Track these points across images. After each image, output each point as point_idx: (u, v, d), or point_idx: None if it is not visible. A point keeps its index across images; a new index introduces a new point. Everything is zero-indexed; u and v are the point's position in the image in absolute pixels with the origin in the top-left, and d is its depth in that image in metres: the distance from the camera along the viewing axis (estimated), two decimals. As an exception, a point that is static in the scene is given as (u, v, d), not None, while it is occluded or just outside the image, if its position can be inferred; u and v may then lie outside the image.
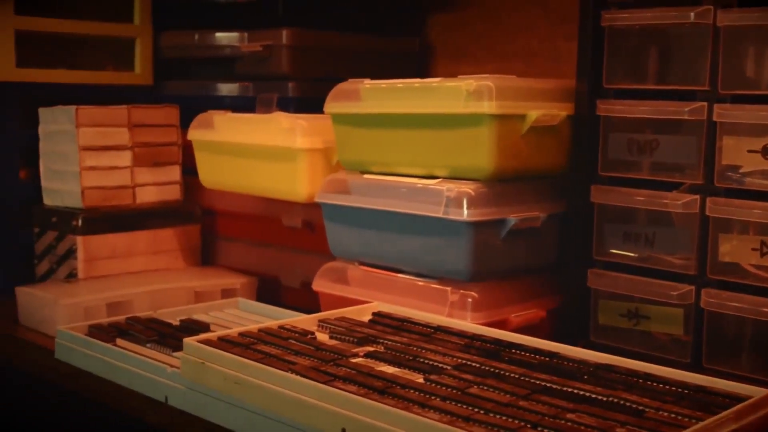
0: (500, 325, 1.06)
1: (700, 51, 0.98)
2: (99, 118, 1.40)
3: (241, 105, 1.46)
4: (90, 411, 1.13)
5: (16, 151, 1.46)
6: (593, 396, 0.80)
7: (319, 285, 1.22)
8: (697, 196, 0.99)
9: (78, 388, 1.09)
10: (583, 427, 0.73)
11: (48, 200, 1.44)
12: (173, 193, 1.48)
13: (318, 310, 1.17)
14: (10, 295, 1.31)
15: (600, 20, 1.06)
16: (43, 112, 1.44)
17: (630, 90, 1.05)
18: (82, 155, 1.38)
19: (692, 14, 0.98)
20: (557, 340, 0.96)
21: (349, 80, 1.20)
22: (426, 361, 0.90)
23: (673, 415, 0.76)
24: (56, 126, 1.41)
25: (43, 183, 1.45)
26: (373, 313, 1.09)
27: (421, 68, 1.63)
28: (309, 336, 0.99)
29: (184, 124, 1.46)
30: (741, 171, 0.97)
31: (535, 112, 1.07)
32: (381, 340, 0.98)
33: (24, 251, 1.45)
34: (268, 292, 1.38)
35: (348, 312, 1.09)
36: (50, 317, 1.21)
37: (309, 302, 1.25)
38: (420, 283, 1.12)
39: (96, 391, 1.06)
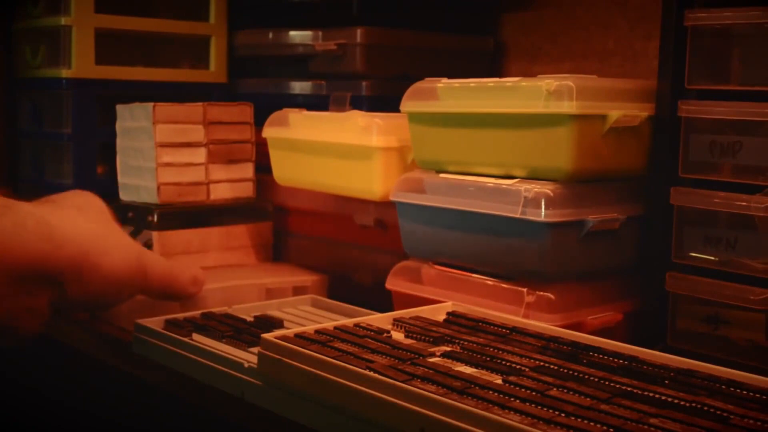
0: (576, 327, 1.05)
1: (787, 51, 0.97)
2: (175, 115, 1.42)
3: (314, 103, 1.47)
4: (167, 404, 1.15)
5: (94, 147, 1.48)
6: (676, 401, 0.79)
7: (393, 284, 1.22)
8: (782, 200, 0.97)
9: (155, 381, 1.11)
10: (667, 433, 0.72)
11: (124, 195, 1.47)
12: (246, 190, 1.50)
13: (389, 309, 1.17)
14: (87, 288, 1.34)
15: (683, 19, 1.04)
16: (121, 109, 1.46)
17: (713, 91, 1.03)
18: (159, 152, 1.40)
19: (780, 14, 0.96)
20: (634, 344, 0.95)
21: (426, 79, 1.20)
22: (503, 362, 0.90)
23: (759, 423, 0.74)
24: (133, 122, 1.43)
25: (120, 179, 1.47)
26: (448, 313, 1.08)
27: (493, 67, 1.62)
28: (384, 334, 0.99)
29: (257, 122, 1.47)
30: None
31: (615, 113, 1.06)
32: (457, 340, 0.97)
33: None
34: (339, 289, 1.39)
35: (422, 311, 1.08)
36: (127, 310, 1.23)
37: (380, 300, 1.25)
38: (495, 284, 1.11)
39: (173, 385, 1.08)
